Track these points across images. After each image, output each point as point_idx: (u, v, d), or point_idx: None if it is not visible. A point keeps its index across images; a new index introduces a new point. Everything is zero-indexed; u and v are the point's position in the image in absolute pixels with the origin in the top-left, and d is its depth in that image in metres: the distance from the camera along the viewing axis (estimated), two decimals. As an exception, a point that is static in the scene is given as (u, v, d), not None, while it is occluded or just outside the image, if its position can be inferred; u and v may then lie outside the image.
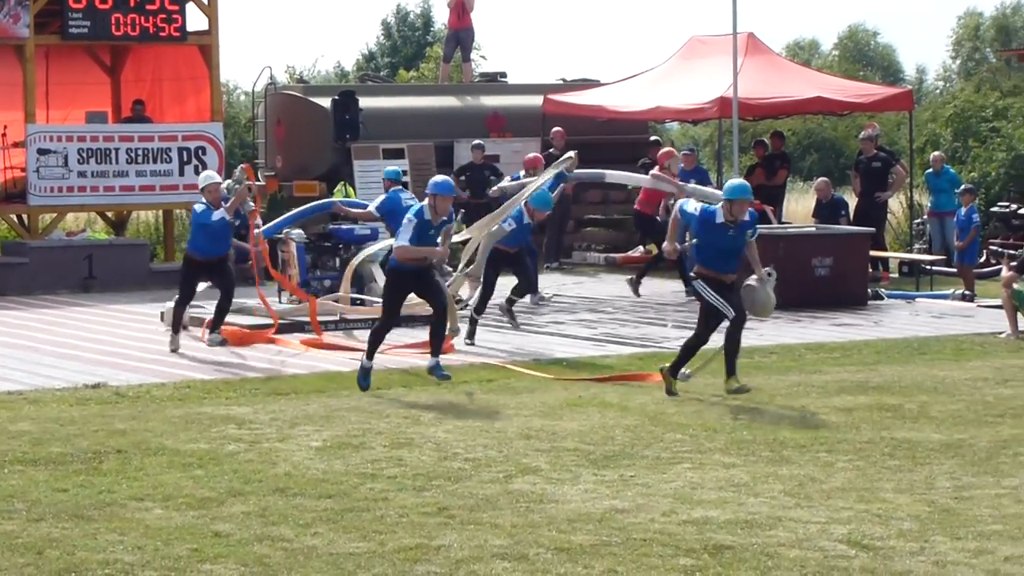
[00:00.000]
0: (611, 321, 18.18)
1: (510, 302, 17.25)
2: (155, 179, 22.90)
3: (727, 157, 25.12)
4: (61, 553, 7.96)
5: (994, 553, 7.91)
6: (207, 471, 9.88)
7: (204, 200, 15.84)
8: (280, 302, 18.38)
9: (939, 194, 23.80)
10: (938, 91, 71.37)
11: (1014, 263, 18.01)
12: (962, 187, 21.97)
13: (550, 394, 12.92)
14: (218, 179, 16.15)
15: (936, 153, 25.26)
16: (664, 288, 21.56)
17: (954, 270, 21.36)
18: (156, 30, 22.87)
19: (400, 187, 18.21)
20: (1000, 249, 22.49)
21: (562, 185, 22.52)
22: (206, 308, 16.87)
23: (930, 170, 24.34)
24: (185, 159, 23.07)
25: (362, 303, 17.57)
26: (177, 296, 16.11)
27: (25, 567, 7.73)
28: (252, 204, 16.52)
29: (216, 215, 15.59)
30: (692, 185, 20.08)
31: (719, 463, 10.14)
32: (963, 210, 20.99)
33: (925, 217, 25.09)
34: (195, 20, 23.56)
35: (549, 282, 22.19)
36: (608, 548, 8.07)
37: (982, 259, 22.29)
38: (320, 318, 17.30)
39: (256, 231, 17.24)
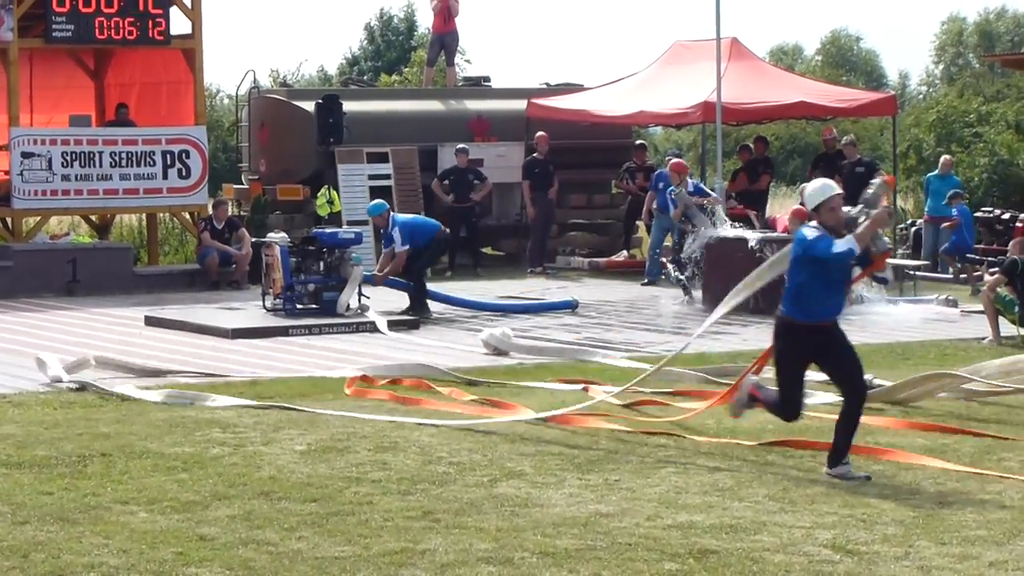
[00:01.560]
0: (595, 326, 18.19)
1: None
2: (139, 182, 22.87)
3: (711, 162, 25.16)
4: (46, 556, 7.95)
5: (979, 558, 7.94)
6: (192, 475, 9.87)
7: (817, 223, 9.91)
8: (265, 306, 18.38)
9: (940, 198, 23.74)
10: (921, 96, 71.57)
11: (995, 268, 18.07)
12: (952, 191, 22.07)
13: (534, 398, 12.93)
14: (838, 190, 9.99)
15: (945, 156, 25.17)
16: (645, 292, 21.58)
17: (941, 276, 21.40)
18: (140, 34, 22.85)
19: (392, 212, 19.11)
20: (979, 258, 22.49)
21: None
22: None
23: (934, 173, 24.19)
24: (169, 162, 23.04)
25: None
26: (776, 398, 10.22)
27: (10, 570, 7.72)
28: (887, 241, 10.42)
29: (841, 246, 9.65)
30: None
31: (703, 467, 10.16)
32: (954, 211, 21.11)
33: (920, 220, 25.12)
34: (179, 24, 23.57)
35: (533, 287, 22.20)
36: (593, 552, 8.08)
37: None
38: (295, 322, 17.35)
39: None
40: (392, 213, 19.24)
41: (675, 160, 20.37)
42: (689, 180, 20.24)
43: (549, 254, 24.97)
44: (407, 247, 18.62)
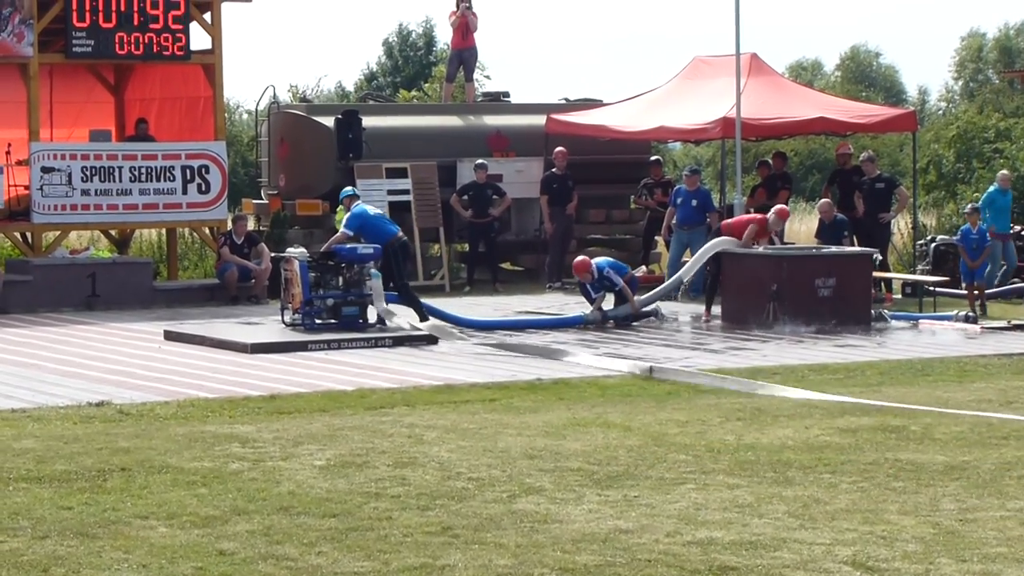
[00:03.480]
0: (614, 340, 18.18)
1: None
2: (158, 197, 22.93)
3: (730, 177, 25.13)
4: (66, 571, 7.96)
5: (999, 575, 7.91)
6: (211, 489, 9.87)
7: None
8: (284, 321, 18.41)
9: (1002, 214, 23.53)
10: (940, 112, 71.45)
11: None
12: (969, 206, 21.90)
13: (553, 413, 12.93)
14: None
15: (1003, 172, 25.04)
16: (663, 307, 21.56)
17: (959, 292, 21.29)
18: (160, 49, 22.93)
19: (359, 201, 19.38)
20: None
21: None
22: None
23: (994, 187, 23.98)
24: (188, 177, 23.11)
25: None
26: None
27: (30, 585, 7.74)
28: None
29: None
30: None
31: (723, 484, 10.13)
32: (972, 228, 20.97)
33: (941, 237, 24.98)
34: (199, 39, 23.64)
35: (552, 302, 22.19)
36: (613, 568, 8.06)
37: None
38: (314, 337, 17.37)
39: None
40: (357, 203, 19.27)
41: (577, 260, 20.25)
42: (595, 265, 20.07)
43: (567, 269, 24.94)
44: (349, 232, 18.77)
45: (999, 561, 8.17)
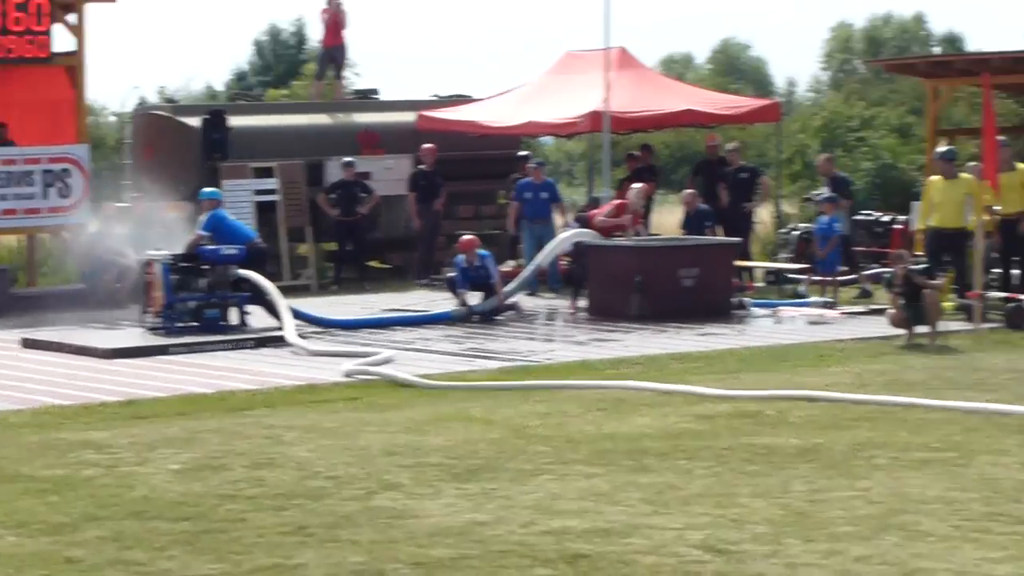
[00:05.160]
0: (480, 335, 18.20)
1: None
2: (17, 203, 22.51)
3: (599, 171, 25.26)
4: (-94, 583, 7.82)
5: (844, 554, 8.03)
6: (63, 497, 9.73)
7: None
8: (144, 325, 18.17)
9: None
10: (809, 103, 72.35)
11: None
12: (824, 196, 22.17)
13: (416, 410, 12.92)
14: None
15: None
16: (529, 301, 21.63)
17: (817, 279, 21.53)
18: (21, 51, 22.53)
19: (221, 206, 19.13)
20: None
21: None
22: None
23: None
24: (48, 182, 22.74)
25: None
26: None
27: None
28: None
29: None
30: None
31: (580, 473, 10.19)
32: (825, 218, 21.21)
33: (804, 225, 25.22)
34: (63, 41, 23.26)
35: (419, 299, 22.16)
36: (466, 561, 8.08)
37: (846, 268, 22.49)
38: (174, 341, 17.17)
39: None
40: (218, 209, 19.00)
41: (466, 237, 20.27)
42: (478, 252, 20.00)
43: (435, 265, 24.95)
44: (206, 233, 18.49)
45: (845, 540, 8.30)
